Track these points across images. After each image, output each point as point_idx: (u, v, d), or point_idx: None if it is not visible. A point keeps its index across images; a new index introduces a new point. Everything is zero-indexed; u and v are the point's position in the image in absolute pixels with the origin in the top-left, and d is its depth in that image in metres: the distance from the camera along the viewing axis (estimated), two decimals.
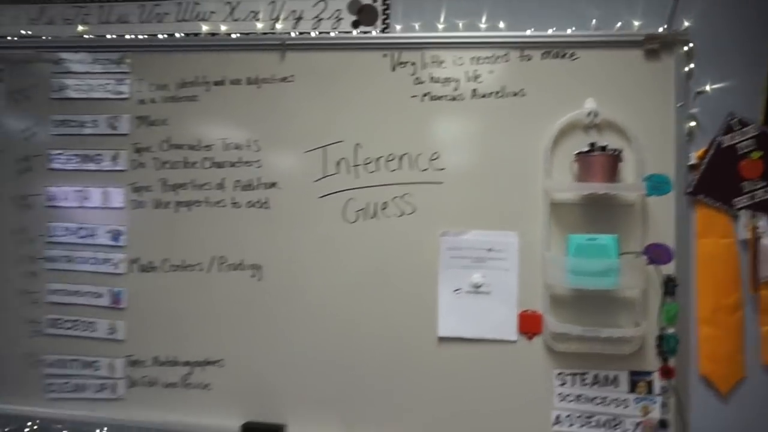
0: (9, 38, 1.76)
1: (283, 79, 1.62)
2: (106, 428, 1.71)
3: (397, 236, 1.57)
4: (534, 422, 1.51)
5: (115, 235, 1.71)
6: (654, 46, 1.49)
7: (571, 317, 1.49)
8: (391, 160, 1.57)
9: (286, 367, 1.63)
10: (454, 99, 1.56)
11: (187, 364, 1.68)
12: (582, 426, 1.50)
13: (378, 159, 1.58)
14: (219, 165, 1.65)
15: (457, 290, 1.55)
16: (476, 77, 1.55)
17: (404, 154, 1.57)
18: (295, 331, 1.63)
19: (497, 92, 1.54)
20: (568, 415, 1.50)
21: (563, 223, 1.50)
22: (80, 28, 1.73)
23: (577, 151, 1.48)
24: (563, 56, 1.53)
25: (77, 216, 1.74)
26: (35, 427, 1.75)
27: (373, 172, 1.58)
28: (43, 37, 1.74)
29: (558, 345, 1.50)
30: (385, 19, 1.58)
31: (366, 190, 1.59)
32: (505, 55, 1.54)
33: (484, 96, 1.55)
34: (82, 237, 1.73)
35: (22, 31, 1.75)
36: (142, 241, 1.71)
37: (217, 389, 1.67)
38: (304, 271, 1.62)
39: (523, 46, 1.54)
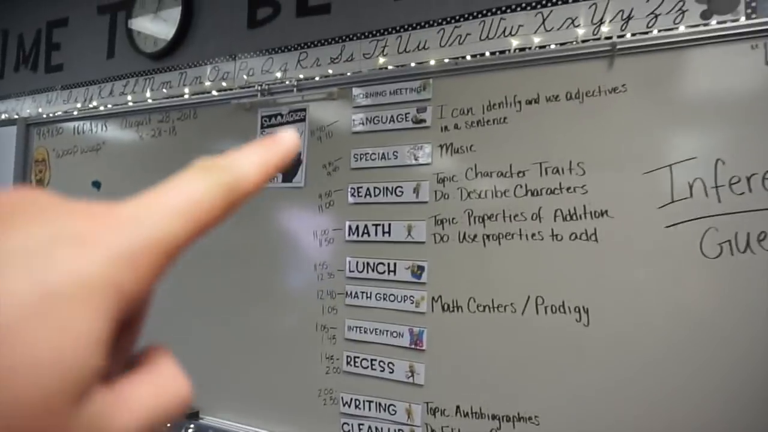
0: (316, 78, 1.81)
1: (613, 90, 1.37)
2: None
3: None
4: None
5: (416, 271, 1.62)
6: None
7: None
8: None
9: (619, 430, 1.35)
10: None
11: (494, 417, 1.49)
12: None
13: (751, 176, 1.24)
14: (535, 193, 1.46)
15: None
16: None
17: None
18: (631, 386, 1.33)
19: None
20: None
21: None
22: (381, 60, 1.70)
23: None
24: None
25: (377, 251, 1.69)
26: None
27: (742, 193, 1.24)
28: (348, 74, 1.75)
29: None
30: (750, 2, 1.26)
31: (734, 217, 1.25)
32: None
33: None
34: (381, 273, 1.67)
35: (329, 71, 1.80)
36: (445, 278, 1.58)
37: None
38: (644, 316, 1.32)
39: None
